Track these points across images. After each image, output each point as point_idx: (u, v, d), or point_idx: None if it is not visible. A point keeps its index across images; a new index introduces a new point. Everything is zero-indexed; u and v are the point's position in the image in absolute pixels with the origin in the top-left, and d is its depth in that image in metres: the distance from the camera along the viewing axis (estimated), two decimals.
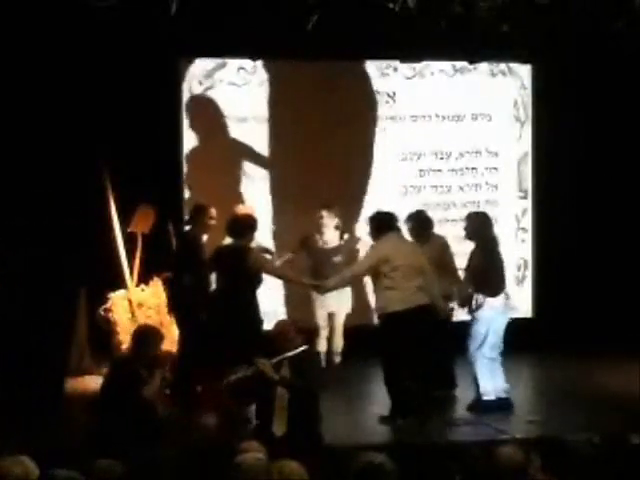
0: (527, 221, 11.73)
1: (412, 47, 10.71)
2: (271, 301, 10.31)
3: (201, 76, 10.91)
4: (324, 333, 10.16)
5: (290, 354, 7.43)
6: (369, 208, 10.24)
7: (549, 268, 11.55)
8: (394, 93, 11.34)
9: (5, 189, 9.13)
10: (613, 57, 10.47)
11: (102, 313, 10.07)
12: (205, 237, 9.30)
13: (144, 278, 10.20)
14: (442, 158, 11.47)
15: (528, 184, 11.71)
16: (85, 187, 9.77)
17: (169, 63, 10.49)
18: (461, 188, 11.53)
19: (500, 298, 8.63)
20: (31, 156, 9.30)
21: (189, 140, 10.87)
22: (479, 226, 8.68)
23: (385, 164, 11.31)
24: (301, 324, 8.15)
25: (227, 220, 8.96)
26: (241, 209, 9.82)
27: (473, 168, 11.54)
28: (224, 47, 10.59)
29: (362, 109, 11.26)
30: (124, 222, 10.09)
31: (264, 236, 10.42)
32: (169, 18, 7.75)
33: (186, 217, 9.85)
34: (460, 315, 9.24)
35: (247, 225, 8.79)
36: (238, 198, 10.76)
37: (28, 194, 9.10)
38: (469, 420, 8.46)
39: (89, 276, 9.65)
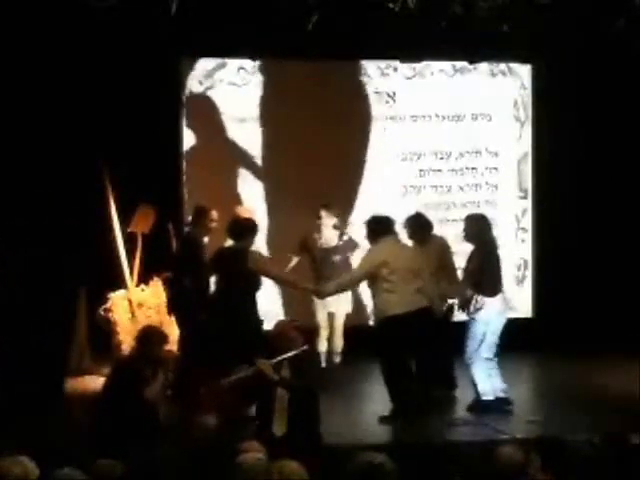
0: (527, 221, 11.73)
1: (412, 47, 10.71)
2: (271, 301, 10.33)
3: (201, 76, 10.92)
4: (324, 333, 10.15)
5: (290, 354, 7.42)
6: (369, 208, 10.23)
7: (549, 268, 11.55)
8: (394, 93, 11.34)
9: (5, 189, 9.13)
10: (613, 57, 10.48)
11: (102, 313, 10.07)
12: (206, 239, 9.30)
13: (144, 278, 10.20)
14: (442, 158, 11.47)
15: (528, 184, 11.71)
16: (85, 187, 9.78)
17: (169, 63, 10.49)
18: (461, 188, 11.52)
19: (498, 299, 8.63)
20: (31, 156, 9.31)
21: (189, 140, 10.88)
22: (478, 231, 8.68)
23: (385, 164, 11.31)
24: (301, 324, 8.14)
25: (228, 222, 8.97)
26: (241, 211, 9.81)
27: (473, 168, 11.54)
28: (224, 47, 10.59)
29: (362, 109, 11.26)
30: (124, 222, 10.09)
31: (263, 235, 10.42)
32: (169, 18, 7.78)
33: (188, 218, 9.85)
34: (459, 316, 9.23)
35: (248, 228, 8.79)
36: (237, 198, 10.79)
37: (28, 194, 9.10)
38: (469, 420, 8.44)
39: (89, 276, 9.65)
